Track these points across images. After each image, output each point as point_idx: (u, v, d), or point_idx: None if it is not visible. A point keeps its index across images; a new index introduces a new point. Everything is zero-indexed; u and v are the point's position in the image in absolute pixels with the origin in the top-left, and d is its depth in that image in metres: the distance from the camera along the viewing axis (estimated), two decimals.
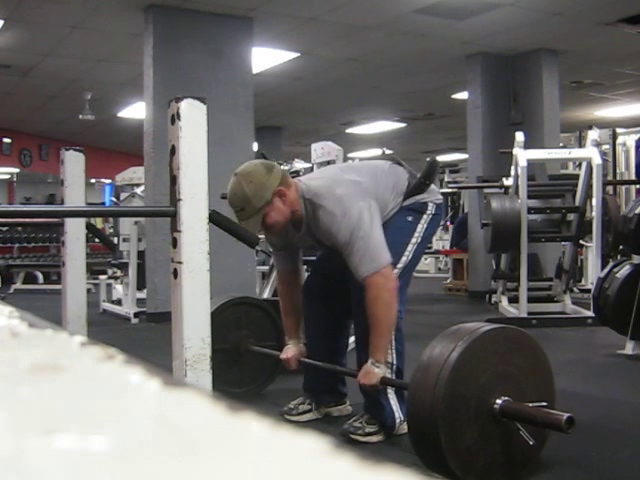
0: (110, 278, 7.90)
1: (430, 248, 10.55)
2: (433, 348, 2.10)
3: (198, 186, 1.80)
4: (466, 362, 2.02)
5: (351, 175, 2.63)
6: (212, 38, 6.43)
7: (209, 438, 0.25)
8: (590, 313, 4.93)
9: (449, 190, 11.29)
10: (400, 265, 2.62)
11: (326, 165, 4.51)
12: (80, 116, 9.12)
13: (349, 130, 12.36)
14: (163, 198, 5.66)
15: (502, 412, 2.04)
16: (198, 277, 1.81)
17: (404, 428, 2.52)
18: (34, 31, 6.94)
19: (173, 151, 1.79)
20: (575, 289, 7.12)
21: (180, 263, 1.79)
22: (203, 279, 1.82)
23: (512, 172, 6.02)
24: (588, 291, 6.11)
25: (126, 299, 6.77)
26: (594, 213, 5.63)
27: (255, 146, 7.05)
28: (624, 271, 4.30)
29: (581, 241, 6.55)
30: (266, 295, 4.32)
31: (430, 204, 2.72)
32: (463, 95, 8.55)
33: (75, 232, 2.60)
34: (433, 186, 2.77)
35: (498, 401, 2.04)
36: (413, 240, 2.67)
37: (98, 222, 12.39)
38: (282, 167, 3.20)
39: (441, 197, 2.89)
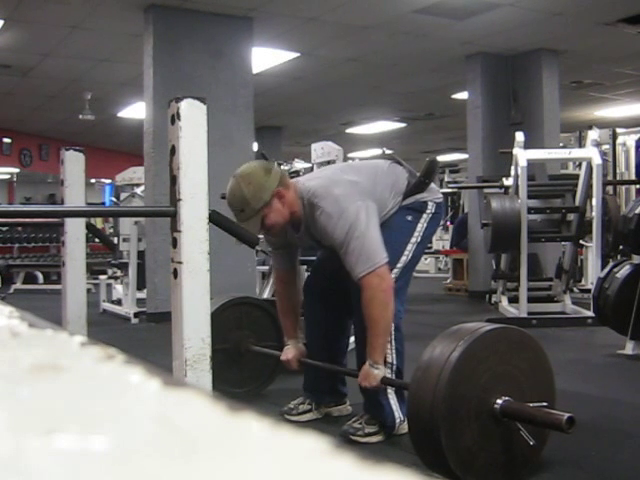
0: (110, 278, 7.90)
1: (430, 248, 10.55)
2: (434, 348, 2.10)
3: (198, 186, 1.80)
4: (467, 362, 2.02)
5: (349, 175, 2.62)
6: (212, 38, 6.43)
7: (209, 438, 0.25)
8: (590, 313, 4.93)
9: (449, 190, 11.29)
10: (400, 265, 2.61)
11: (326, 165, 4.51)
12: (80, 116, 9.13)
13: (349, 130, 12.35)
14: (163, 198, 5.66)
15: (503, 412, 2.04)
16: (198, 277, 1.81)
17: (404, 428, 2.52)
18: (34, 31, 6.94)
19: (173, 151, 1.79)
20: (575, 289, 7.12)
21: (180, 263, 1.79)
22: (203, 279, 1.82)
23: (512, 172, 6.02)
24: (588, 291, 6.11)
25: (126, 299, 6.77)
26: (594, 213, 5.63)
27: (255, 146, 7.05)
28: (624, 271, 4.30)
29: (581, 241, 6.54)
30: (266, 295, 4.33)
31: (430, 203, 2.72)
32: (463, 95, 8.55)
33: (75, 232, 2.61)
34: (433, 185, 2.77)
35: (499, 401, 2.04)
36: (413, 239, 2.66)
37: (98, 222, 12.39)
38: (282, 167, 3.20)
39: (441, 196, 2.87)
